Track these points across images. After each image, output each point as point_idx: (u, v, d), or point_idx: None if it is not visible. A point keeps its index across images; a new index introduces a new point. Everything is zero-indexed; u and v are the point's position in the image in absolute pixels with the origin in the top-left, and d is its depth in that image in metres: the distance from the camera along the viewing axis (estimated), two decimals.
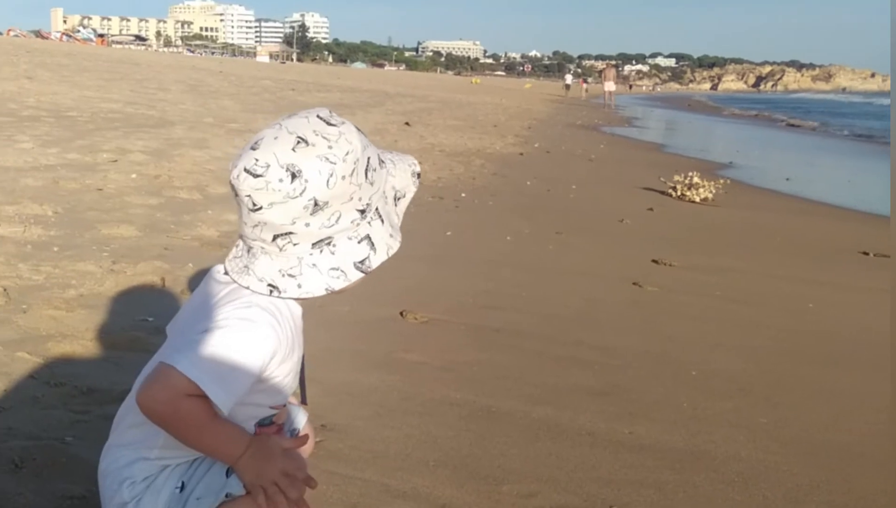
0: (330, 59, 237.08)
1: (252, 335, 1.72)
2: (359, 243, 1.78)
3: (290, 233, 1.72)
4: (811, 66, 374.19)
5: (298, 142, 1.69)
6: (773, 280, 6.09)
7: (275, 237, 1.73)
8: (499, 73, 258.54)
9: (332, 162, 1.69)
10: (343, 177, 1.70)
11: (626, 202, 9.52)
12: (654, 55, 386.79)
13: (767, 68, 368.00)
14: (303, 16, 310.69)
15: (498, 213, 8.18)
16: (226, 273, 1.83)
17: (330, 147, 1.70)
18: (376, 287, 4.94)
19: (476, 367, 3.81)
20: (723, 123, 41.74)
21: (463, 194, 8.99)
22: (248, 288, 1.76)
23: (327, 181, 1.69)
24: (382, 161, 1.86)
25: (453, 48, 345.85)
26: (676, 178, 10.31)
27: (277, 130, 1.72)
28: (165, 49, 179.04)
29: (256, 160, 1.68)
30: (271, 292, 1.75)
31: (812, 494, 2.84)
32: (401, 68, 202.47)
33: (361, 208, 1.77)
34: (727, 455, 3.08)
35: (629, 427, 3.24)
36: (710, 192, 10.02)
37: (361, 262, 1.78)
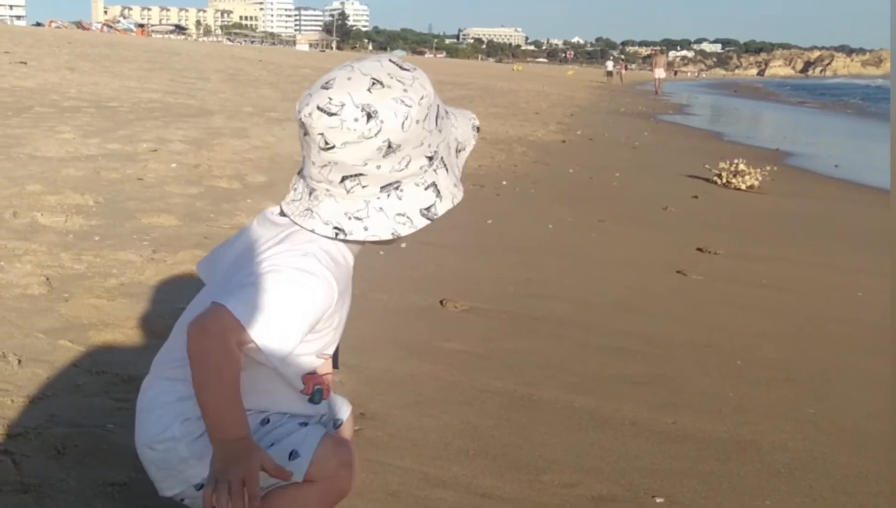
0: (370, 47, 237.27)
1: (307, 289, 1.70)
2: (425, 189, 1.77)
3: (360, 175, 1.71)
4: (861, 50, 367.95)
5: (374, 83, 1.69)
6: (821, 269, 5.99)
7: (343, 179, 1.72)
8: (541, 60, 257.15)
9: (407, 105, 1.68)
10: (417, 121, 1.70)
11: (670, 190, 9.41)
12: (699, 41, 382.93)
13: (816, 53, 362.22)
14: (342, 4, 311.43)
15: (540, 201, 8.12)
16: (281, 214, 1.82)
17: (405, 90, 1.70)
18: (416, 275, 4.94)
19: (517, 356, 3.78)
20: (769, 108, 41.21)
21: (504, 182, 8.94)
22: (312, 230, 1.75)
23: (402, 124, 1.68)
24: (447, 111, 1.84)
25: (494, 35, 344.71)
26: (722, 165, 10.17)
27: (350, 72, 1.72)
28: (205, 38, 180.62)
29: (330, 99, 1.67)
30: (337, 234, 1.74)
31: (860, 485, 2.79)
32: (441, 56, 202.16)
33: (430, 154, 1.76)
34: (773, 445, 3.03)
35: (673, 417, 3.19)
36: (757, 179, 9.88)
37: (427, 209, 1.78)
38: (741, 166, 9.99)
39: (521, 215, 7.31)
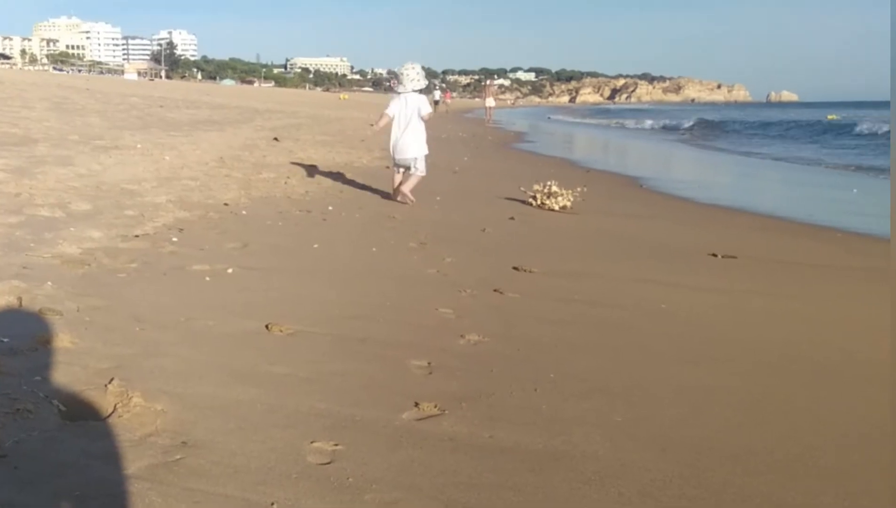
0: (199, 77, 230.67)
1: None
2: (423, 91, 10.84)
3: (422, 89, 10.73)
4: (661, 78, 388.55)
5: (413, 65, 10.68)
6: (629, 283, 6.28)
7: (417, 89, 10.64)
8: (366, 88, 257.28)
9: (422, 70, 10.88)
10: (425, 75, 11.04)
11: (488, 212, 9.68)
12: (514, 69, 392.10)
13: (622, 81, 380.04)
14: (170, 33, 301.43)
15: (364, 225, 8.20)
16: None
17: (420, 66, 10.82)
18: (242, 300, 4.91)
19: (341, 377, 3.81)
20: (581, 131, 42.92)
21: (330, 207, 8.98)
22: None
23: (424, 73, 10.97)
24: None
25: (321, 64, 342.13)
26: (536, 187, 10.54)
27: (409, 64, 10.65)
28: (31, 67, 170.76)
29: (411, 71, 10.54)
30: (422, 92, 10.80)
31: (665, 488, 2.93)
32: (270, 85, 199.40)
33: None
34: (584, 454, 3.16)
35: (490, 431, 3.30)
36: (569, 200, 10.29)
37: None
38: (554, 188, 10.38)
39: (346, 239, 7.36)
